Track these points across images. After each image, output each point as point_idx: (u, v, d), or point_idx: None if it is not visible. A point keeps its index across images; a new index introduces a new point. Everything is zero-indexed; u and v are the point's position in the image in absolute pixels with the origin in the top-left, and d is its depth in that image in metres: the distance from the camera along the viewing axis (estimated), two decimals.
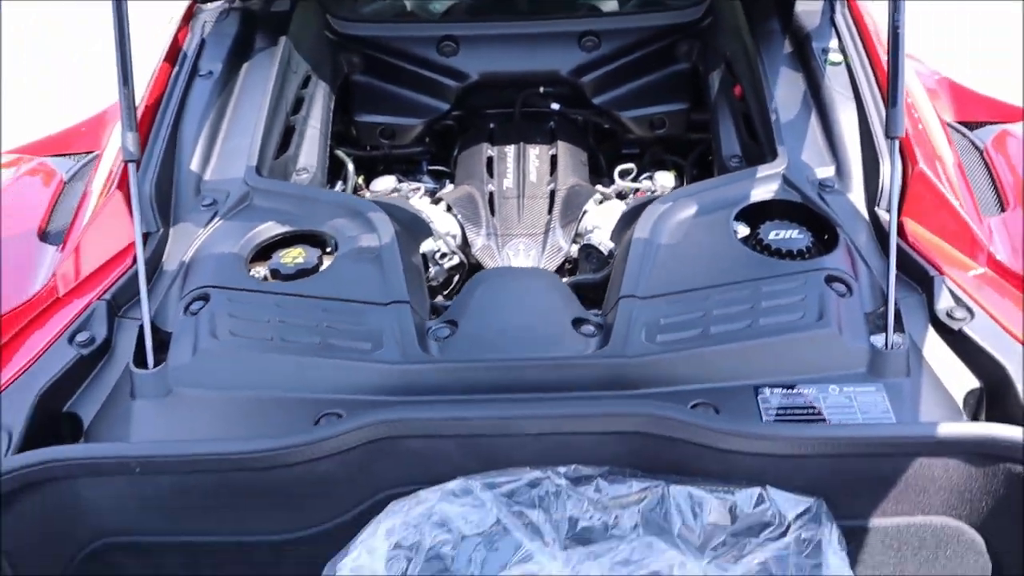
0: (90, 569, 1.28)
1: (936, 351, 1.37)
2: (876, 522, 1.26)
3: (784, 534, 1.18)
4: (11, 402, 1.30)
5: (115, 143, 1.81)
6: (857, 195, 1.63)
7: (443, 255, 1.79)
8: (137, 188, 1.39)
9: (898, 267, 1.38)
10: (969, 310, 1.38)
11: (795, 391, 1.28)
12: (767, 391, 1.28)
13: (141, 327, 1.37)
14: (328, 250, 1.57)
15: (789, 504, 1.21)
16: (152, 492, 1.24)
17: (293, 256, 1.51)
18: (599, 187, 2.01)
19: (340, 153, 2.11)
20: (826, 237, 1.53)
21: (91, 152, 2.07)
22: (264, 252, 1.56)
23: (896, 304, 1.35)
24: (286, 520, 1.27)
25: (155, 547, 1.28)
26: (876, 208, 1.57)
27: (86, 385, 1.37)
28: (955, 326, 1.36)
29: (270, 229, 1.57)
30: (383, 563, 1.08)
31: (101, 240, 1.54)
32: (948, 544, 1.27)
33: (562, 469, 1.23)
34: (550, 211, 1.88)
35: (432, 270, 1.77)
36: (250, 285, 1.45)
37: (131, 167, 1.40)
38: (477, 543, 1.12)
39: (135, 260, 1.50)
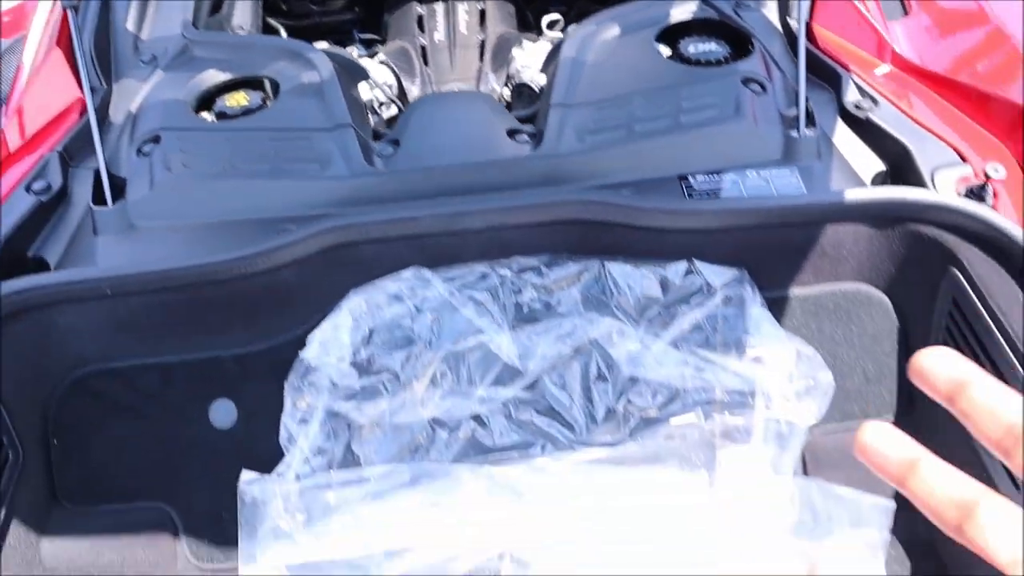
0: (73, 398, 1.36)
1: (845, 139, 1.48)
2: (795, 291, 1.39)
3: (711, 296, 1.30)
4: None
5: (43, 14, 1.81)
6: (771, 9, 1.72)
7: (381, 104, 1.85)
8: (78, 32, 1.42)
9: (808, 69, 1.48)
10: (874, 100, 1.49)
11: (716, 177, 1.39)
12: (691, 179, 1.39)
13: (96, 171, 1.42)
14: (271, 93, 1.62)
15: (715, 274, 1.33)
16: (125, 316, 1.32)
17: (237, 99, 1.56)
18: (527, 38, 2.07)
19: (272, 22, 2.13)
20: (743, 49, 1.62)
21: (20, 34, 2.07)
22: (208, 100, 1.61)
23: (807, 101, 1.46)
24: (252, 332, 1.36)
25: (132, 370, 1.37)
26: (788, 18, 1.66)
27: (48, 230, 1.42)
28: (861, 115, 1.47)
29: (213, 77, 1.61)
30: (347, 333, 1.18)
31: (45, 96, 1.57)
32: (860, 307, 1.41)
33: (506, 262, 1.34)
34: (481, 59, 1.94)
35: (372, 120, 1.83)
36: (199, 125, 1.50)
37: (70, 13, 1.43)
38: (433, 318, 1.22)
39: (82, 113, 1.54)
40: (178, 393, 1.37)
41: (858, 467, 1.49)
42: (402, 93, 1.90)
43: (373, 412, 1.29)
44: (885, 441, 0.48)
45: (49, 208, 1.43)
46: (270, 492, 1.29)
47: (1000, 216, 1.24)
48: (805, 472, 1.40)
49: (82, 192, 1.47)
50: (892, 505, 1.33)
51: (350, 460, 1.33)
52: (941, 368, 0.48)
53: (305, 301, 1.33)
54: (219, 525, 1.38)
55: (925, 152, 1.37)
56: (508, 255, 1.34)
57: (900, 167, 1.42)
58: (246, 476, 1.30)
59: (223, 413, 1.39)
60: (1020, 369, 1.14)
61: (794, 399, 1.27)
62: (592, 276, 1.31)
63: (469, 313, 1.24)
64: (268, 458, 1.33)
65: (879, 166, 1.45)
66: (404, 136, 1.45)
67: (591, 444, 1.31)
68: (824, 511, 1.34)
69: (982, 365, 1.29)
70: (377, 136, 1.55)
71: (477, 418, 1.32)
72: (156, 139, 1.46)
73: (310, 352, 1.22)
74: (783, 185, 1.38)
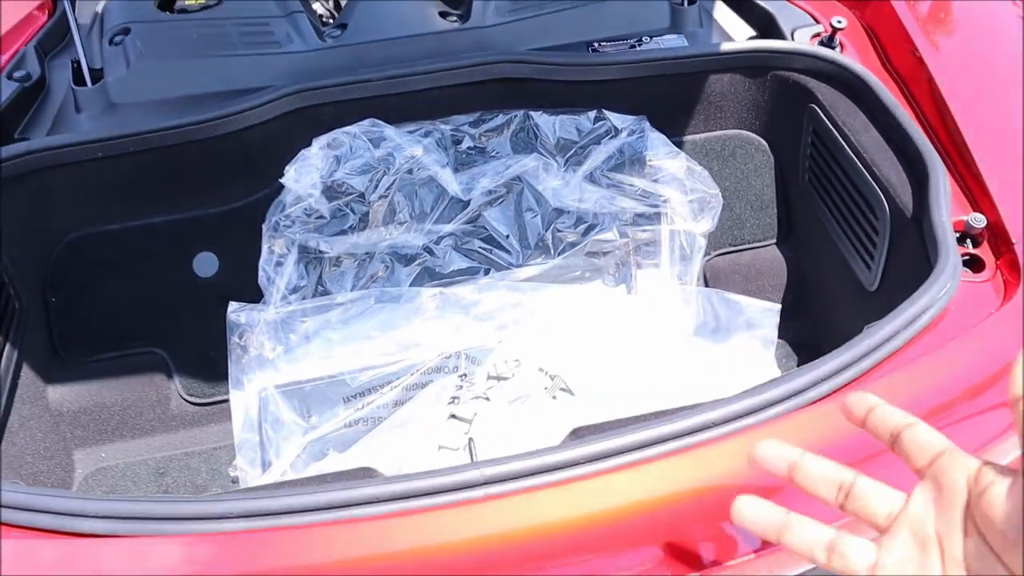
0: (68, 259, 1.53)
1: (721, 10, 1.77)
2: (687, 138, 1.66)
3: (618, 135, 1.56)
4: None
5: None
6: None
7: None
8: None
9: None
10: None
11: (617, 43, 1.65)
12: (596, 44, 1.64)
13: (74, 59, 1.59)
14: None
15: (621, 120, 1.58)
16: (113, 181, 1.49)
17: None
18: None
19: None
20: None
21: None
22: (167, 5, 1.79)
23: None
24: (229, 192, 1.55)
25: (121, 232, 1.54)
26: None
27: (31, 114, 1.59)
28: None
29: None
30: (318, 161, 1.40)
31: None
32: (741, 148, 1.68)
33: (445, 120, 1.57)
34: None
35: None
36: (165, 18, 1.69)
37: None
38: (388, 151, 1.45)
39: (50, 14, 1.71)
40: (164, 249, 1.55)
41: (749, 282, 1.80)
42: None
43: (341, 245, 1.51)
44: (756, 509, 0.65)
45: (31, 94, 1.59)
46: (254, 318, 1.50)
47: (845, 57, 1.53)
48: (707, 285, 1.67)
49: (60, 80, 1.64)
50: (778, 307, 1.61)
51: (322, 294, 1.54)
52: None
53: (276, 162, 1.53)
54: (207, 364, 1.57)
55: (785, 16, 1.66)
56: (448, 115, 1.56)
57: (766, 30, 1.70)
58: (232, 306, 1.50)
59: (206, 264, 1.58)
60: (865, 172, 1.42)
61: (690, 211, 1.54)
62: (518, 125, 1.55)
63: (418, 152, 1.47)
64: (249, 301, 1.54)
65: (749, 31, 1.73)
66: (350, 20, 1.66)
67: (526, 266, 1.56)
68: (723, 315, 1.61)
69: (835, 176, 1.60)
70: (324, 24, 1.76)
71: (428, 249, 1.55)
72: (126, 31, 1.63)
73: (287, 178, 1.43)
74: (673, 49, 1.65)
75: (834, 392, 0.98)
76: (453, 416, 1.32)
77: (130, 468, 1.56)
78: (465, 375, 1.38)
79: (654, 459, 0.90)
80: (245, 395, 1.50)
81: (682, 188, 1.53)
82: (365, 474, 1.04)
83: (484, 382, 1.37)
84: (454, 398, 1.35)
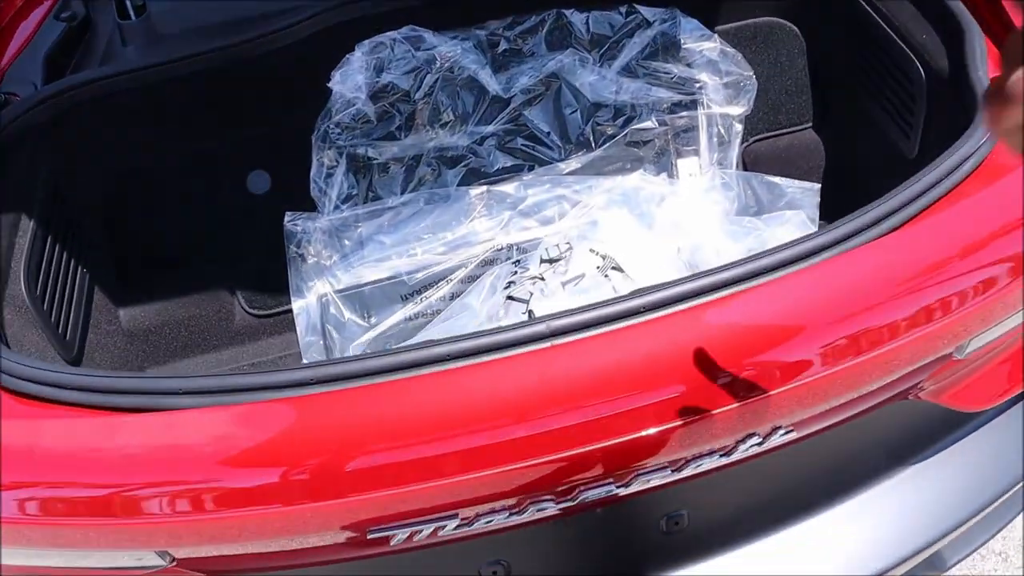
0: (129, 183, 1.59)
1: None
2: (720, 28, 1.68)
3: (651, 26, 1.58)
4: (26, 65, 1.57)
5: None
6: None
7: None
8: None
9: None
10: None
11: None
12: None
13: None
14: None
15: (652, 12, 1.60)
16: (168, 107, 1.54)
17: None
18: None
19: None
20: None
21: None
22: None
23: None
24: (276, 110, 1.59)
25: (175, 156, 1.59)
26: None
27: (80, 52, 1.64)
28: None
29: None
30: (362, 63, 1.44)
31: None
32: (774, 35, 1.69)
33: (481, 26, 1.60)
34: None
35: None
36: None
37: None
38: (430, 54, 1.49)
39: None
40: (218, 169, 1.61)
41: (788, 165, 1.82)
42: None
43: (388, 150, 1.55)
44: None
45: (78, 33, 1.65)
46: (310, 228, 1.55)
47: None
48: (747, 170, 1.70)
49: (104, 21, 1.69)
50: (818, 187, 1.63)
51: (373, 200, 1.59)
52: None
53: (321, 77, 1.57)
54: (267, 276, 1.63)
55: None
56: (483, 22, 1.59)
57: None
58: (288, 216, 1.55)
59: (259, 182, 1.63)
60: (899, 41, 1.43)
61: (725, 95, 1.56)
62: (552, 24, 1.58)
63: (456, 53, 1.50)
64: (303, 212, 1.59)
65: None
66: None
67: (568, 160, 1.59)
68: (764, 197, 1.64)
69: (869, 51, 1.60)
70: None
71: (473, 150, 1.59)
72: None
73: (333, 82, 1.47)
74: None
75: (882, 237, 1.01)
76: (510, 298, 1.36)
77: None
78: (519, 262, 1.43)
79: (713, 303, 0.94)
80: (307, 302, 1.56)
81: (716, 71, 1.55)
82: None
83: (537, 266, 1.41)
84: (510, 283, 1.40)
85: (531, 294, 1.37)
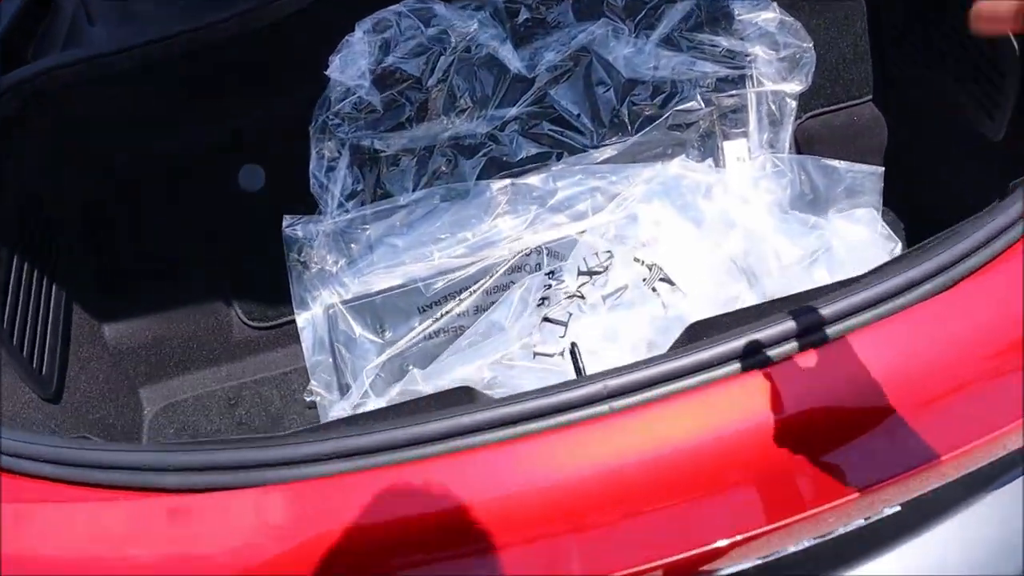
0: (109, 186, 1.41)
1: None
2: None
3: None
4: None
5: None
6: None
7: None
8: None
9: None
10: None
11: None
12: None
13: None
14: None
15: None
16: (144, 97, 1.36)
17: None
18: None
19: None
20: None
21: None
22: None
23: None
24: (268, 97, 1.40)
25: (155, 152, 1.41)
26: None
27: (41, 32, 1.44)
28: None
29: None
30: (364, 46, 1.25)
31: None
32: None
33: None
34: None
35: None
36: None
37: None
38: (442, 29, 1.29)
39: None
40: (204, 165, 1.43)
41: (846, 145, 1.60)
42: None
43: (398, 141, 1.37)
44: None
45: (36, 9, 1.44)
46: (312, 232, 1.37)
47: None
48: (800, 152, 1.51)
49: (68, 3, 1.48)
50: (881, 170, 1.45)
51: (381, 197, 1.41)
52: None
53: (316, 57, 1.37)
54: (266, 284, 1.46)
55: None
56: None
57: None
58: (287, 220, 1.38)
59: (251, 177, 1.45)
60: None
61: (779, 70, 1.37)
62: None
63: (472, 28, 1.31)
64: (302, 212, 1.41)
65: None
66: None
67: (602, 146, 1.41)
68: (820, 183, 1.46)
69: (944, 11, 1.39)
70: None
71: (493, 137, 1.41)
72: None
73: (332, 70, 1.28)
74: None
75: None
76: (546, 319, 1.20)
77: (200, 401, 1.47)
78: (552, 273, 1.25)
79: (792, 355, 0.77)
80: (312, 314, 1.39)
81: (772, 44, 1.35)
82: (466, 396, 0.92)
83: (575, 279, 1.24)
84: (543, 299, 1.23)
85: (570, 315, 1.20)
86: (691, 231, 1.35)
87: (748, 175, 1.42)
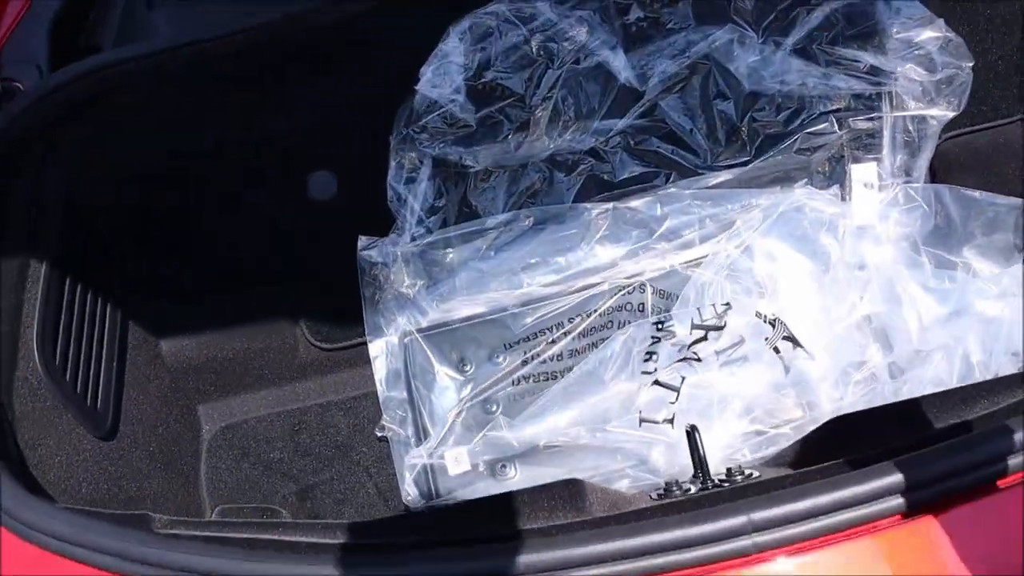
0: (170, 190, 1.28)
1: None
2: None
3: None
4: (26, 39, 1.24)
5: None
6: None
7: None
8: None
9: None
10: None
11: None
12: None
13: None
14: None
15: None
16: (204, 91, 1.22)
17: None
18: None
19: None
20: None
21: None
22: None
23: None
24: (342, 94, 1.25)
25: (221, 153, 1.28)
26: None
27: (95, 17, 1.30)
28: None
29: None
30: (460, 58, 1.10)
31: None
32: None
33: None
34: None
35: None
36: None
37: None
38: (546, 37, 1.13)
39: None
40: (273, 169, 1.29)
41: (988, 170, 1.41)
42: None
43: (488, 156, 1.22)
44: None
45: None
46: (389, 255, 1.24)
47: None
48: (935, 179, 1.34)
49: None
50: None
51: (467, 215, 1.27)
52: None
53: (400, 53, 1.21)
54: (336, 303, 1.34)
55: None
56: None
57: None
58: (362, 242, 1.24)
59: (323, 184, 1.32)
60: None
61: (934, 91, 1.19)
62: None
63: (581, 34, 1.14)
64: (376, 226, 1.27)
65: None
66: None
67: (717, 168, 1.25)
68: (957, 216, 1.29)
69: None
70: None
71: (595, 152, 1.25)
72: None
73: (422, 84, 1.13)
74: None
75: None
76: (657, 383, 1.06)
77: (261, 424, 1.37)
78: (661, 323, 1.11)
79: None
80: (386, 342, 1.27)
81: (928, 63, 1.17)
82: (571, 492, 0.81)
83: (687, 331, 1.10)
84: (650, 354, 1.09)
85: (682, 378, 1.06)
86: (812, 271, 1.20)
87: (876, 206, 1.26)
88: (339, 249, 1.28)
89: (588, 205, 1.24)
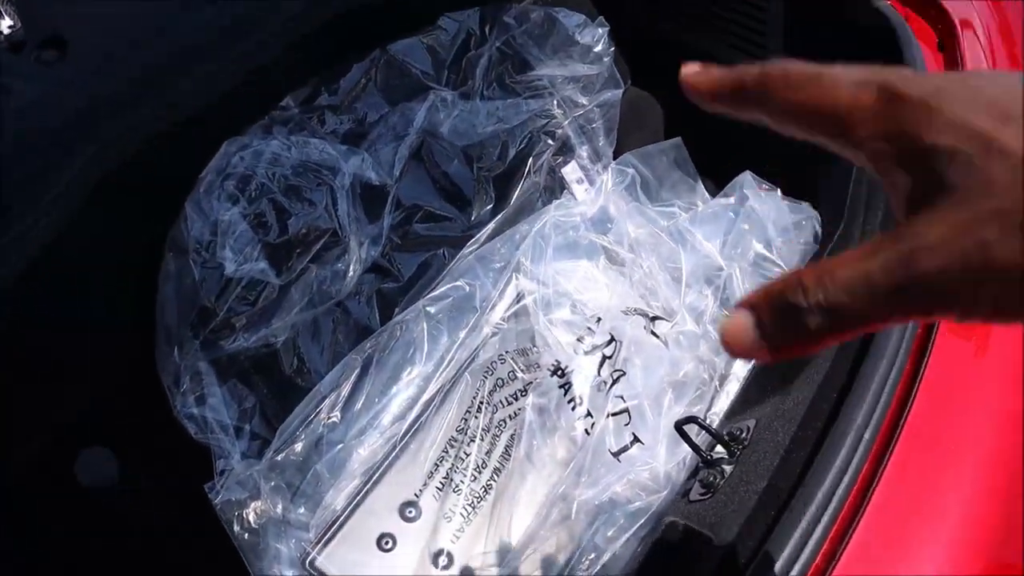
0: None
1: None
2: None
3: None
4: None
5: None
6: None
7: None
8: None
9: None
10: None
11: None
12: None
13: None
14: None
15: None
16: None
17: None
18: None
19: None
20: None
21: None
22: None
23: None
24: None
25: None
26: None
27: None
28: None
29: None
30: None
31: None
32: None
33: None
34: None
35: None
36: None
37: None
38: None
39: None
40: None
41: (639, 127, 1.61)
42: None
43: (285, 321, 1.05)
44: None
45: None
46: (241, 483, 1.00)
47: None
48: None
49: None
50: (679, 141, 1.50)
51: (289, 393, 1.07)
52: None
53: None
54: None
55: None
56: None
57: None
58: (211, 489, 0.98)
59: (94, 467, 1.00)
60: None
61: (597, 80, 1.34)
62: (383, 67, 1.18)
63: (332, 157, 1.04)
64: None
65: None
66: None
67: (479, 224, 1.24)
68: (646, 172, 1.48)
69: None
70: None
71: (373, 268, 1.15)
72: None
73: (228, 268, 0.92)
74: None
75: None
76: (611, 415, 1.02)
77: None
78: (560, 371, 1.07)
79: None
80: None
81: (585, 54, 1.31)
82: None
83: (586, 362, 1.08)
84: (572, 401, 1.04)
85: (621, 398, 1.04)
86: (604, 267, 1.28)
87: (593, 194, 1.38)
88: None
89: (397, 319, 1.14)
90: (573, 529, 1.01)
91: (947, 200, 0.34)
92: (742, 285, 1.23)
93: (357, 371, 1.11)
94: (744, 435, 0.93)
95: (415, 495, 1.08)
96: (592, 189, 1.39)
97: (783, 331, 0.37)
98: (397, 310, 1.16)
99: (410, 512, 1.07)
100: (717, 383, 1.10)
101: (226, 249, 0.94)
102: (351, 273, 1.07)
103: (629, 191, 1.39)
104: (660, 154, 1.46)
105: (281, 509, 1.03)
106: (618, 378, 1.08)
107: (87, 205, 0.91)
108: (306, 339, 1.09)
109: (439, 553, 1.05)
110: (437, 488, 1.08)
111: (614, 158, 1.41)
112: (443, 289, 1.18)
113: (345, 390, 1.10)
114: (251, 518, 0.99)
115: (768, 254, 1.26)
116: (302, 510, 1.05)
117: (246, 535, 0.99)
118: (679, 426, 0.95)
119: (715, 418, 1.07)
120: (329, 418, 1.08)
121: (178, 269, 0.98)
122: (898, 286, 0.34)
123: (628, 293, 1.23)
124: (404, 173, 1.19)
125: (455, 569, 1.03)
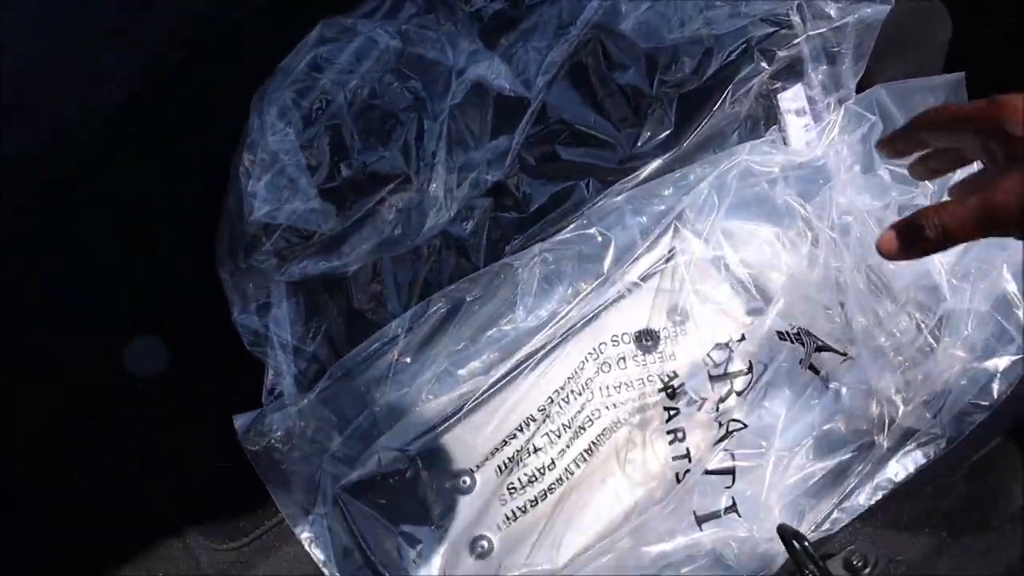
0: None
1: None
2: None
3: None
4: None
5: None
6: None
7: None
8: None
9: None
10: None
11: None
12: None
13: None
14: None
15: None
16: None
17: None
18: None
19: None
20: None
21: None
22: None
23: None
24: None
25: None
26: None
27: None
28: None
29: None
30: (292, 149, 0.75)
31: None
32: None
33: None
34: None
35: None
36: None
37: None
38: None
39: None
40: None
41: (906, 47, 1.19)
42: None
43: (360, 254, 0.89)
44: None
45: None
46: (278, 422, 0.90)
47: None
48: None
49: None
50: (962, 75, 1.11)
51: (358, 328, 0.94)
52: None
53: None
54: (225, 491, 1.00)
55: None
56: None
57: None
58: (240, 422, 0.90)
59: (145, 356, 0.94)
60: None
61: None
62: None
63: (440, 55, 0.82)
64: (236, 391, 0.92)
65: None
66: None
67: (641, 156, 0.98)
68: (900, 112, 1.11)
69: None
70: None
71: (492, 191, 0.94)
72: None
73: (257, 211, 0.78)
74: None
75: None
76: (708, 472, 0.82)
77: None
78: (671, 390, 0.86)
79: None
80: (313, 519, 0.94)
81: None
82: None
83: (708, 388, 0.86)
84: (673, 433, 0.84)
85: (732, 455, 0.83)
86: (789, 244, 0.99)
87: (813, 132, 1.05)
88: (197, 428, 0.94)
89: (507, 260, 0.95)
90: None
91: (1016, 166, 0.56)
92: (969, 326, 0.91)
93: (443, 313, 0.94)
94: (865, 570, 0.70)
95: (473, 467, 0.94)
96: (814, 128, 1.06)
97: (914, 236, 0.60)
98: (508, 249, 0.96)
99: (464, 482, 0.95)
100: (872, 461, 0.84)
101: (260, 183, 0.78)
102: (427, 225, 0.87)
103: (863, 143, 1.05)
104: (927, 94, 1.08)
105: (326, 442, 0.93)
106: (734, 431, 0.84)
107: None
108: (387, 271, 0.93)
109: (479, 538, 0.93)
110: (498, 468, 0.94)
111: (857, 92, 1.05)
112: (571, 234, 0.96)
113: (423, 331, 0.94)
114: (282, 451, 0.90)
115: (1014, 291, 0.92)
116: (348, 446, 0.95)
117: (273, 472, 0.91)
118: (785, 535, 0.73)
119: (843, 515, 0.82)
120: (400, 357, 0.94)
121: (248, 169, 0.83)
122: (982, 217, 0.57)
123: (809, 287, 0.95)
124: (557, 79, 0.93)
125: (491, 563, 0.91)
